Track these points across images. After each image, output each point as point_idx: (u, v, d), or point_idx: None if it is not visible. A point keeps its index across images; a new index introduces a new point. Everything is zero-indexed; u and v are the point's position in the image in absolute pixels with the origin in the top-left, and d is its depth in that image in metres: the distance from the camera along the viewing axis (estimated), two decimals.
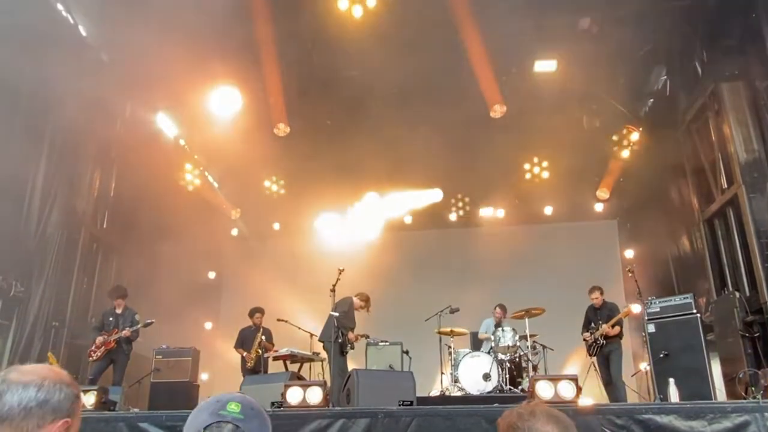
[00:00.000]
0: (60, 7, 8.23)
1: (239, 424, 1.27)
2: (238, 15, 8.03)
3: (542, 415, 1.56)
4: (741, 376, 6.80)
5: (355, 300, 8.10)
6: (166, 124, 10.34)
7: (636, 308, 8.32)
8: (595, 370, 7.89)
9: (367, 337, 8.70)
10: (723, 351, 7.52)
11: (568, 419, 1.58)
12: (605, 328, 7.72)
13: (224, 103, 9.55)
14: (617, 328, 7.76)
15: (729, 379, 7.17)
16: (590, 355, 7.99)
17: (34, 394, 1.19)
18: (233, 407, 1.29)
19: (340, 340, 7.40)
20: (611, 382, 7.66)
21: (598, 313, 8.03)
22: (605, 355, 7.82)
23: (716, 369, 7.18)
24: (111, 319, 7.80)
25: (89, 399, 5.66)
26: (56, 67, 7.59)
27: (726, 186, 8.43)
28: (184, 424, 1.31)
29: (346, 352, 7.71)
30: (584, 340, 8.09)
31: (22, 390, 1.19)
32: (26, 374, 1.22)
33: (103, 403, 5.86)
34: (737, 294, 7.67)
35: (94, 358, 7.57)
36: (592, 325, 8.01)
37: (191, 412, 1.33)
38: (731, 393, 6.96)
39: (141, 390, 8.47)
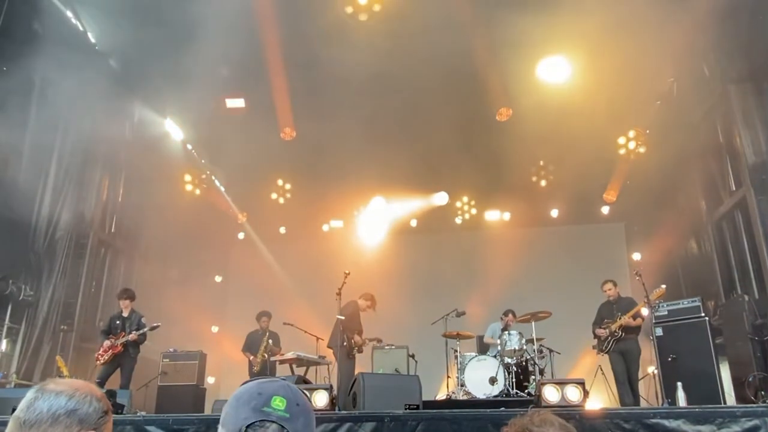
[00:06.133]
0: (69, 14, 8.33)
1: (284, 425, 1.13)
2: (245, 21, 8.08)
3: (555, 422, 1.56)
4: (750, 379, 6.75)
5: (360, 302, 8.10)
6: (173, 129, 10.43)
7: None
8: (602, 373, 7.79)
9: (380, 341, 8.70)
10: (732, 354, 7.45)
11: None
12: (625, 318, 7.25)
13: (232, 107, 9.63)
14: (639, 320, 7.33)
15: (738, 383, 7.10)
16: (603, 352, 7.54)
17: (64, 403, 1.23)
18: (278, 404, 1.15)
19: (345, 344, 7.41)
20: (626, 382, 7.23)
21: (615, 307, 7.56)
22: (621, 352, 7.34)
23: (725, 373, 7.09)
24: (118, 322, 7.85)
25: None
26: (65, 73, 7.68)
27: (734, 188, 8.39)
28: (223, 417, 1.15)
29: (353, 356, 7.72)
30: (597, 336, 7.59)
31: (53, 398, 1.22)
32: (61, 385, 1.26)
33: (111, 406, 5.88)
34: (746, 297, 7.62)
35: (102, 361, 7.61)
36: (606, 321, 7.54)
37: (228, 401, 1.18)
38: (740, 397, 6.91)
39: (148, 393, 8.50)
